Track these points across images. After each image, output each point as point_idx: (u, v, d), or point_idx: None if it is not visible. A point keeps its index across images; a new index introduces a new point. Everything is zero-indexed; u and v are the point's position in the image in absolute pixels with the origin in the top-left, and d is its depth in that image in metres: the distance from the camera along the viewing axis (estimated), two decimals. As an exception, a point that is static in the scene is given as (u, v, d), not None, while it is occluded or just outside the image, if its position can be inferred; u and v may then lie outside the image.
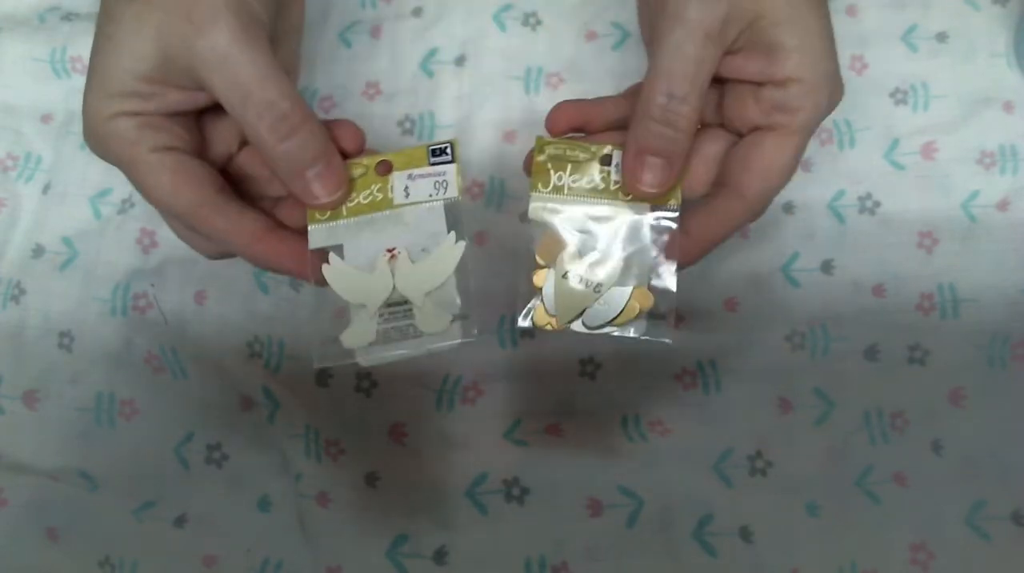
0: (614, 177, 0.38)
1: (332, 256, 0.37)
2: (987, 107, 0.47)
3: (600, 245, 0.38)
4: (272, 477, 0.45)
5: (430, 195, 0.37)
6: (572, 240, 0.38)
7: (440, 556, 0.43)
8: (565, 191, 0.39)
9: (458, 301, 0.37)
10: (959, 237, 0.46)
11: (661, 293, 0.38)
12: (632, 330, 0.38)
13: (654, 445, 0.44)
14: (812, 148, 0.48)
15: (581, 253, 0.38)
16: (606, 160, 0.39)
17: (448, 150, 0.38)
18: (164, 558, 0.43)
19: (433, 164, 0.38)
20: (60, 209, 0.49)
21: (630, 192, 0.37)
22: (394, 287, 0.37)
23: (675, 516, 0.43)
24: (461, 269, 0.37)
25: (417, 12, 0.52)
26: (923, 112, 0.48)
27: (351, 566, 0.43)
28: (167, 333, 0.47)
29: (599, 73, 0.50)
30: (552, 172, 0.39)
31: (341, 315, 0.37)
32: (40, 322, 0.47)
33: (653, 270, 0.38)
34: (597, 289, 0.38)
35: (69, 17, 0.52)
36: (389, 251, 0.37)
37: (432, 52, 0.51)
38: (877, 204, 0.47)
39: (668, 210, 0.38)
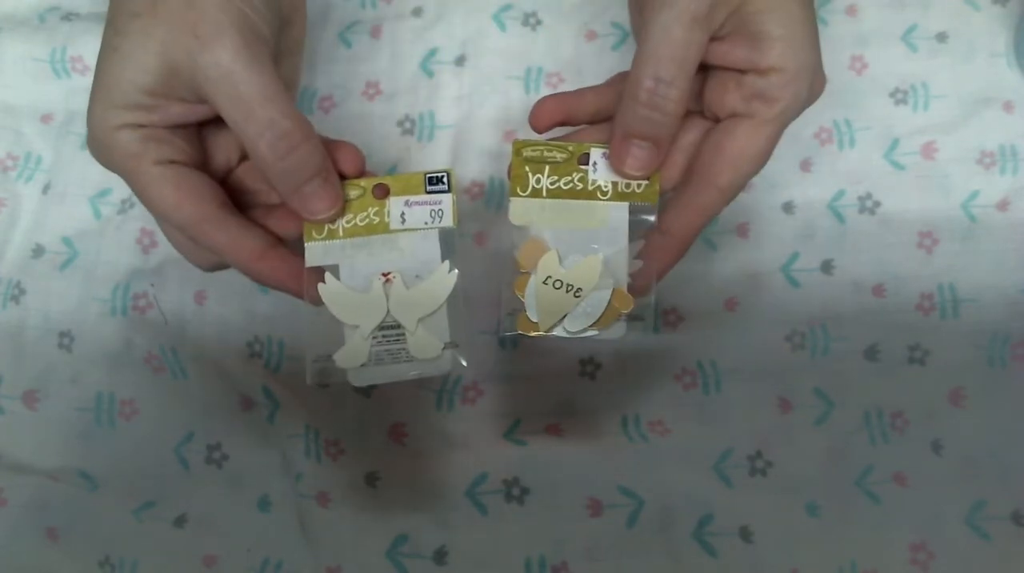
0: (592, 177, 0.38)
1: (328, 276, 0.37)
2: (987, 107, 0.47)
3: (579, 248, 0.38)
4: (272, 477, 0.45)
5: (425, 223, 0.38)
6: (552, 244, 0.38)
7: (440, 556, 0.43)
8: (544, 193, 0.38)
9: (448, 330, 0.38)
10: (959, 237, 0.46)
11: (641, 294, 0.38)
12: (613, 332, 0.38)
13: (654, 445, 0.44)
14: (812, 148, 0.48)
15: (561, 257, 0.38)
16: (584, 159, 0.38)
17: (444, 179, 0.38)
18: (164, 558, 0.43)
19: (430, 192, 0.38)
20: (60, 209, 0.49)
21: (616, 174, 0.37)
22: (388, 311, 0.37)
23: (675, 516, 0.43)
24: (453, 298, 0.37)
25: (417, 12, 0.52)
26: (923, 112, 0.48)
27: (351, 566, 0.43)
28: (167, 333, 0.47)
29: (599, 73, 0.50)
30: (530, 175, 0.38)
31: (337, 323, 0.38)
32: (40, 322, 0.47)
33: (632, 271, 0.38)
34: (577, 293, 0.38)
35: (69, 17, 0.52)
36: (384, 275, 0.38)
37: (432, 52, 0.51)
38: (877, 204, 0.47)
39: (647, 208, 0.38)
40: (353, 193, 0.38)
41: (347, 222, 0.38)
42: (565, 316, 0.38)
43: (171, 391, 0.46)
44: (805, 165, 0.48)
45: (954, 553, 0.42)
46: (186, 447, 0.45)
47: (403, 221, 0.38)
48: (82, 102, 0.50)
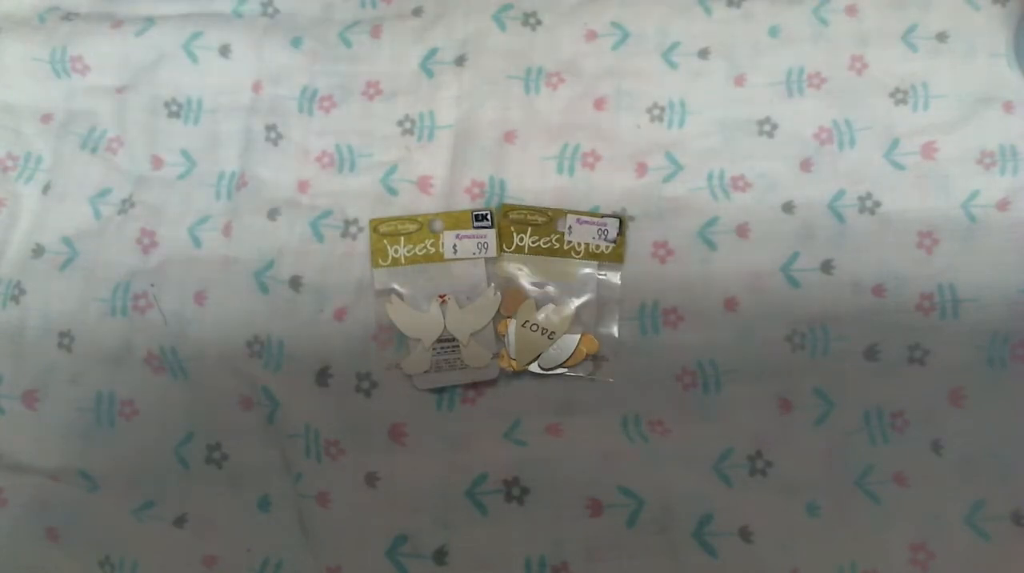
0: (567, 238, 0.46)
1: (394, 297, 0.46)
2: (987, 107, 0.47)
3: (554, 298, 0.46)
4: (272, 477, 0.45)
5: (473, 253, 0.46)
6: (531, 293, 0.46)
7: (440, 556, 0.43)
8: (526, 250, 0.46)
9: (495, 342, 0.45)
10: (959, 237, 0.46)
11: (605, 338, 0.45)
12: (580, 370, 0.45)
13: (654, 445, 0.44)
14: (812, 148, 0.48)
15: (538, 305, 0.46)
16: (560, 223, 0.46)
17: (488, 217, 0.47)
18: (164, 558, 0.43)
19: (476, 227, 0.46)
20: (60, 209, 0.49)
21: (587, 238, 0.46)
22: (444, 326, 0.45)
23: (675, 516, 0.43)
24: (498, 316, 0.45)
25: (417, 12, 0.52)
26: (923, 112, 0.48)
27: (351, 566, 0.43)
28: (167, 333, 0.47)
29: (599, 73, 0.50)
30: (515, 234, 0.46)
31: (383, 344, 0.45)
32: (40, 322, 0.47)
33: (599, 319, 0.45)
34: (551, 336, 0.45)
35: (69, 17, 0.52)
36: (441, 297, 0.46)
37: (432, 52, 0.51)
38: (877, 204, 0.47)
39: (613, 266, 0.46)
40: (411, 227, 0.46)
41: (408, 252, 0.46)
42: (539, 355, 0.45)
43: (171, 391, 0.46)
44: (805, 165, 0.48)
45: (954, 553, 0.42)
46: (186, 447, 0.45)
47: (455, 251, 0.46)
48: (82, 102, 0.51)
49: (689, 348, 0.46)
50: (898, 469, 0.43)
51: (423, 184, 0.49)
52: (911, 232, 0.46)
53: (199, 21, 0.51)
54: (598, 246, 0.46)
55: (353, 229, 0.48)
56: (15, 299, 0.47)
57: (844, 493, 0.43)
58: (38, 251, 0.48)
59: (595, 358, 0.45)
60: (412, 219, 0.46)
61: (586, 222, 0.47)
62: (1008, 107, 0.47)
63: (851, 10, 0.50)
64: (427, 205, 0.48)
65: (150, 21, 0.51)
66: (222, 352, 0.46)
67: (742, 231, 0.47)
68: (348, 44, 0.51)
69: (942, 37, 0.49)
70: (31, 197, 0.49)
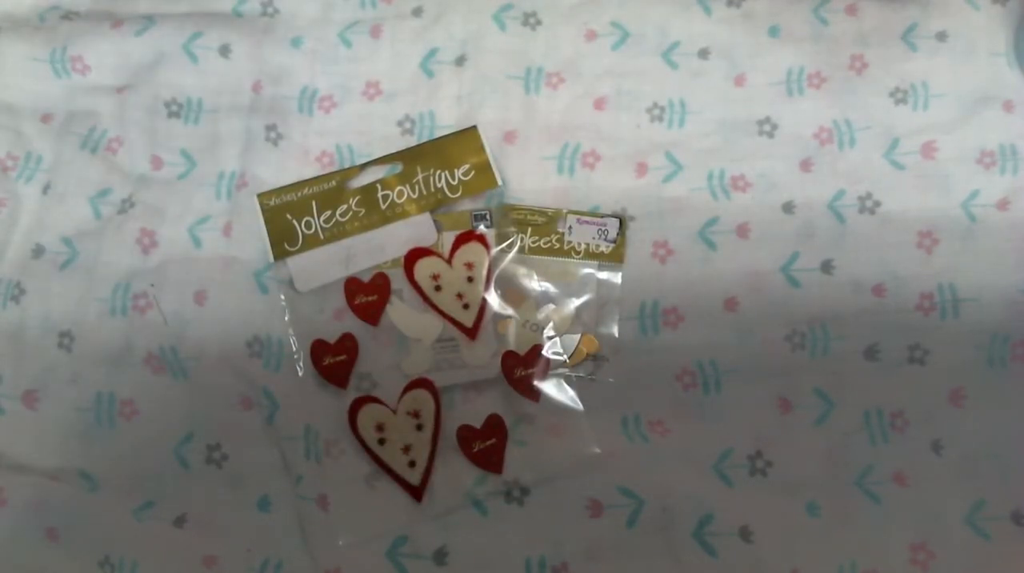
0: (567, 238, 0.46)
1: (394, 298, 0.46)
2: (987, 106, 0.47)
3: (555, 297, 0.46)
4: (272, 477, 0.45)
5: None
6: (531, 293, 0.46)
7: (440, 556, 0.43)
8: (526, 250, 0.47)
9: (496, 342, 0.45)
10: (959, 237, 0.46)
11: (605, 338, 0.45)
12: (581, 369, 0.45)
13: (654, 445, 0.44)
14: (812, 148, 0.48)
15: (538, 304, 0.46)
16: (560, 223, 0.47)
17: (488, 216, 0.47)
18: (164, 558, 0.43)
19: (475, 227, 0.46)
20: (60, 209, 0.49)
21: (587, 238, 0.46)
22: (444, 326, 0.45)
23: (675, 516, 0.43)
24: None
25: (417, 12, 0.52)
26: (923, 111, 0.48)
27: (351, 567, 0.43)
28: (167, 333, 0.47)
29: (598, 73, 0.50)
30: (516, 234, 0.47)
31: (383, 344, 0.45)
32: (40, 322, 0.47)
33: (599, 319, 0.45)
34: (551, 336, 0.45)
35: (69, 17, 0.52)
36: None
37: (432, 52, 0.51)
38: (877, 204, 0.47)
39: (613, 266, 0.46)
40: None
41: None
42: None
43: (171, 391, 0.46)
44: (805, 165, 0.48)
45: (954, 553, 0.42)
46: (186, 447, 0.45)
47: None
48: (82, 102, 0.51)
49: (689, 348, 0.46)
50: (898, 469, 0.43)
51: (423, 184, 0.49)
52: (911, 232, 0.46)
53: (199, 21, 0.51)
54: (598, 246, 0.46)
55: (353, 229, 0.48)
56: (15, 299, 0.47)
57: (844, 493, 0.43)
58: (38, 251, 0.48)
59: (595, 358, 0.45)
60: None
61: (586, 222, 0.47)
62: (1008, 107, 0.47)
63: (851, 9, 0.50)
64: (427, 205, 0.48)
65: (150, 21, 0.51)
66: (222, 352, 0.46)
67: (742, 231, 0.47)
68: (348, 44, 0.51)
69: (942, 36, 0.49)
70: (31, 197, 0.49)
